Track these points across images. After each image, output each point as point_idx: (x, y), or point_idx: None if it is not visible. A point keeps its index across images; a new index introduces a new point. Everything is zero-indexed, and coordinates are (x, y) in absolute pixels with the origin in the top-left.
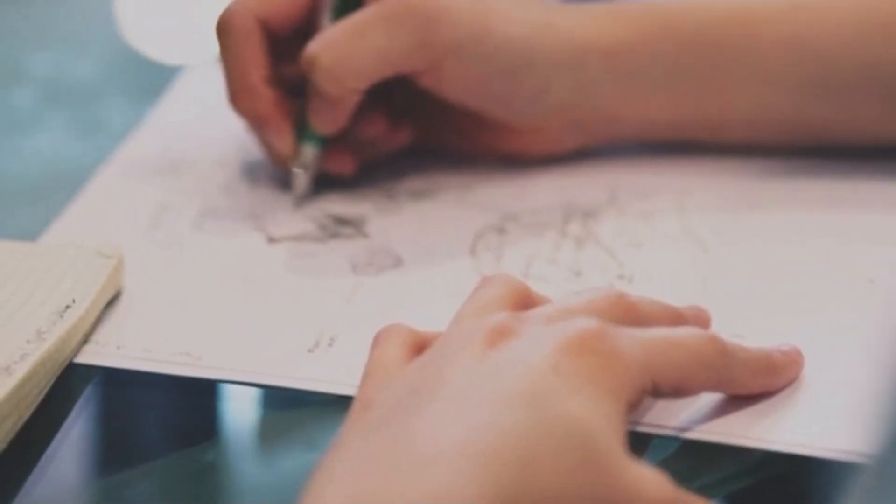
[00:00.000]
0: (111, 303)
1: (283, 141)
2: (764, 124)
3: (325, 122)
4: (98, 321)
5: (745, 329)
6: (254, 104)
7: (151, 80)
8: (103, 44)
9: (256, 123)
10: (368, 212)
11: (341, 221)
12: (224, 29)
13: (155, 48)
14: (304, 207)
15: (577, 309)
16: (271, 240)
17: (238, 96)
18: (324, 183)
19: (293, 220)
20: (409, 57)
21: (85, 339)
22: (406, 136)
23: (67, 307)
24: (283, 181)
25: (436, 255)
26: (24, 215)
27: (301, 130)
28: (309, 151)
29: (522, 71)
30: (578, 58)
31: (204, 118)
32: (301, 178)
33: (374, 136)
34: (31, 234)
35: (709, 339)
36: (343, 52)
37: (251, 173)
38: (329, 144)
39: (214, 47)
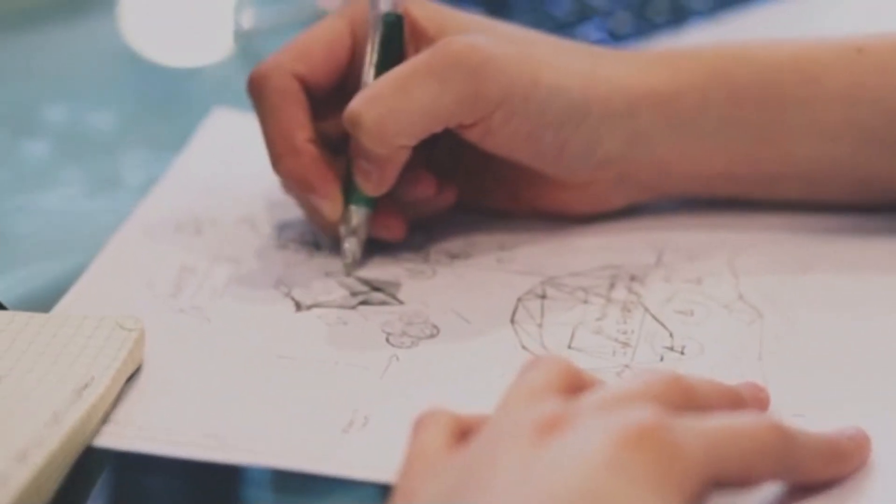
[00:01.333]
0: (131, 378)
1: (332, 205)
2: (824, 179)
3: (373, 183)
4: (117, 398)
5: (807, 408)
6: (299, 167)
7: (172, 130)
8: (121, 93)
9: (302, 187)
10: (401, 276)
11: (373, 286)
12: (261, 89)
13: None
14: (333, 273)
15: (631, 395)
16: (299, 307)
17: (282, 160)
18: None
19: (322, 284)
20: (456, 111)
21: (104, 419)
22: (452, 196)
23: (86, 386)
24: (311, 241)
25: (474, 323)
26: (37, 278)
27: (348, 193)
28: (358, 215)
29: (574, 122)
30: (630, 107)
31: (227, 171)
32: (352, 244)
33: (423, 196)
34: (45, 299)
35: (771, 427)
36: (388, 108)
37: (277, 231)
38: (381, 213)
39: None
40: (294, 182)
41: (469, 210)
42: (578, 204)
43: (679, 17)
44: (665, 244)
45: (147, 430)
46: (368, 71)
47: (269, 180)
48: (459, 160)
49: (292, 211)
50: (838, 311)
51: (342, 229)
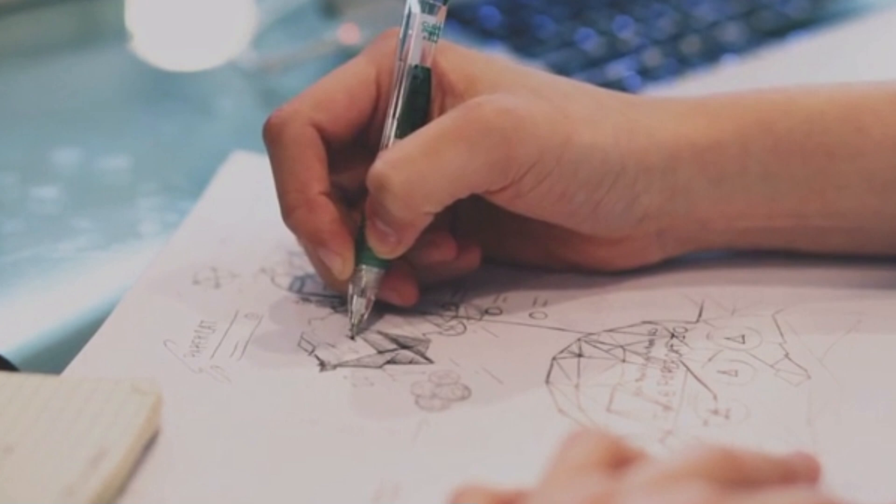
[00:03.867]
0: (148, 445)
1: (343, 264)
2: (871, 231)
3: (389, 247)
4: (134, 467)
5: (860, 477)
6: (312, 221)
7: (188, 174)
8: (134, 134)
9: (314, 241)
10: (430, 332)
11: (400, 344)
12: (277, 137)
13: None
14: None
15: (679, 473)
16: (324, 366)
17: (294, 212)
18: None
19: (347, 342)
20: (487, 177)
21: (120, 489)
22: (475, 259)
23: (101, 456)
24: (333, 295)
25: (507, 384)
26: (49, 334)
27: (359, 251)
28: (369, 276)
29: (608, 180)
30: (668, 161)
31: (245, 219)
32: (359, 305)
33: (442, 260)
34: (57, 356)
35: None
36: (417, 173)
37: (299, 284)
38: (393, 276)
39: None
40: (305, 236)
41: (498, 264)
42: (614, 259)
43: (712, 53)
44: (706, 298)
45: (165, 501)
46: (391, 125)
47: (290, 234)
48: (486, 218)
49: None
50: (890, 370)
51: (350, 287)
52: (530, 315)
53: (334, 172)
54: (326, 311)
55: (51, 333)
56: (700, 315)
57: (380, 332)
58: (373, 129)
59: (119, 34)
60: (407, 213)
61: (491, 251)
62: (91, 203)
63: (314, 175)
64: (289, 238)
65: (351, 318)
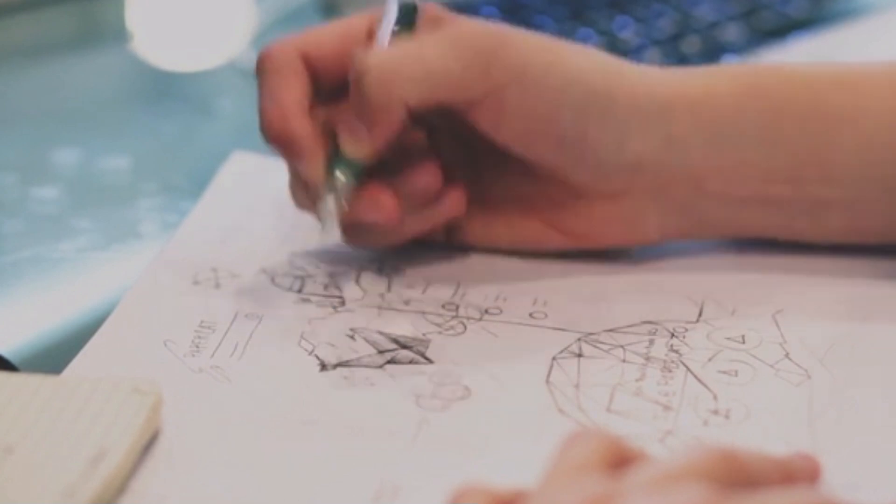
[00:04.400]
0: (148, 444)
1: (314, 166)
2: (869, 206)
3: (362, 142)
4: (134, 467)
5: (861, 476)
6: (285, 128)
7: (188, 173)
8: (135, 133)
9: (287, 149)
10: (430, 332)
11: (401, 344)
12: (263, 62)
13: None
14: (359, 329)
15: (680, 472)
16: (324, 366)
17: (270, 124)
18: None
19: (347, 342)
20: (467, 78)
21: (120, 489)
22: (460, 200)
23: (101, 456)
24: (334, 295)
25: (507, 384)
26: (49, 334)
27: (334, 159)
28: (340, 177)
29: (596, 110)
30: (663, 108)
31: (245, 219)
32: (331, 204)
33: (426, 187)
34: (57, 356)
35: None
36: (398, 60)
37: (299, 284)
38: (370, 187)
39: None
40: (279, 145)
41: (496, 250)
42: (610, 226)
43: (712, 53)
44: (706, 298)
45: (165, 500)
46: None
47: (290, 229)
48: (480, 190)
49: (314, 262)
50: (890, 370)
51: (322, 190)
52: (530, 315)
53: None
54: (326, 311)
55: (51, 333)
56: (700, 315)
57: (380, 332)
58: None
59: (119, 34)
60: (383, 97)
61: (488, 233)
62: (91, 203)
63: (292, 92)
64: (290, 238)
65: (322, 218)
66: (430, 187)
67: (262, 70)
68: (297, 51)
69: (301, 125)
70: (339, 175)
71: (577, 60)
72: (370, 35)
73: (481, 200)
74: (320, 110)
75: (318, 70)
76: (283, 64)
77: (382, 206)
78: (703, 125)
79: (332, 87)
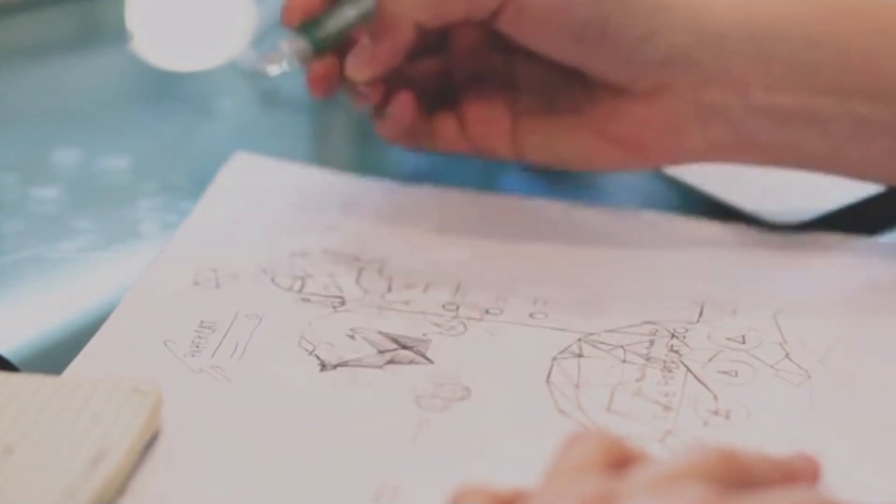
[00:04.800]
0: (148, 445)
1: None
2: None
3: (363, 60)
4: (134, 467)
5: (861, 478)
6: None
7: (189, 174)
8: (135, 133)
9: None
10: (430, 332)
11: (401, 344)
12: None
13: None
14: (359, 329)
15: (680, 473)
16: (324, 366)
17: None
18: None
19: (347, 341)
20: None
21: (120, 489)
22: (407, 107)
23: (101, 456)
24: (334, 295)
25: (507, 385)
26: (49, 334)
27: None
28: (299, 44)
29: (615, 2)
30: (696, 2)
31: (246, 220)
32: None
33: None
34: (57, 356)
35: None
36: None
37: (300, 284)
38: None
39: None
40: None
41: (559, 166)
42: (654, 130)
43: None
44: (706, 299)
45: (165, 500)
46: None
47: (290, 229)
48: (542, 114)
49: (314, 263)
50: (890, 370)
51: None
52: (530, 315)
53: None
54: (327, 311)
55: (51, 334)
56: (700, 315)
57: (380, 332)
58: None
59: (119, 34)
60: (393, 15)
61: (559, 153)
62: (91, 203)
63: None
64: (290, 238)
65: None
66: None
67: None
68: None
69: None
70: (298, 41)
71: None
72: None
73: (550, 119)
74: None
75: None
76: None
77: (403, 105)
78: (747, 26)
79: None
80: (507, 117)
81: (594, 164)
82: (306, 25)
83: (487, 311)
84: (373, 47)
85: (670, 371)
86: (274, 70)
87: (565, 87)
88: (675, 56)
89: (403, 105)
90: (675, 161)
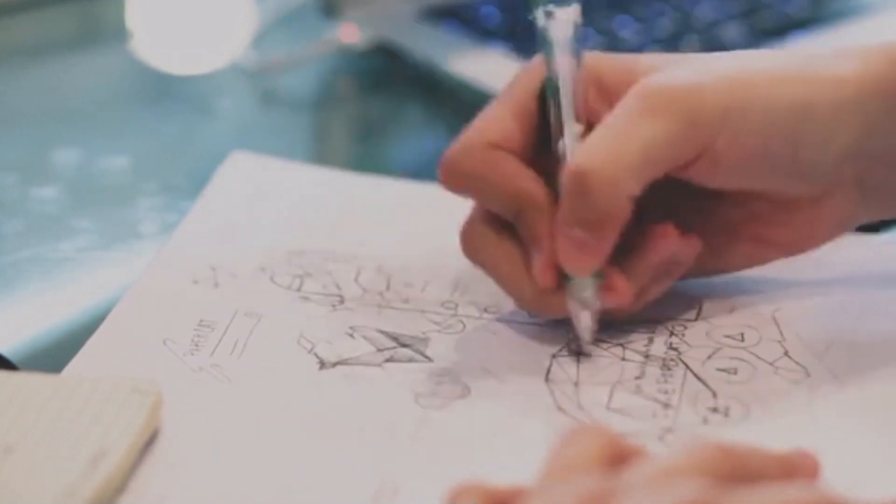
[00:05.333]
0: (148, 444)
1: (547, 272)
2: None
3: (590, 255)
4: (134, 466)
5: (859, 474)
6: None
7: (188, 173)
8: (135, 133)
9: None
10: (429, 330)
11: (400, 342)
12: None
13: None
14: (358, 327)
15: (678, 469)
16: (323, 365)
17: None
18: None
19: (346, 340)
20: (678, 143)
21: (120, 488)
22: (696, 246)
23: (101, 455)
24: (333, 293)
25: (506, 383)
26: (49, 333)
27: (571, 284)
28: (583, 285)
29: (804, 127)
30: (857, 94)
31: (244, 218)
32: (586, 319)
33: (671, 251)
34: (57, 355)
35: (821, 499)
36: (613, 153)
37: (298, 283)
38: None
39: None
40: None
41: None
42: (817, 227)
43: (712, 52)
44: (704, 296)
45: (165, 500)
46: (564, 132)
47: (288, 228)
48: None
49: (313, 261)
50: (889, 367)
51: (570, 303)
52: (529, 313)
53: None
54: (326, 309)
55: (51, 333)
56: (699, 313)
57: (379, 330)
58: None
59: (119, 34)
60: (611, 197)
61: (699, 262)
62: (91, 203)
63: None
64: (288, 236)
65: (580, 335)
66: (674, 248)
67: (461, 181)
68: (487, 143)
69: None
70: (587, 287)
71: (770, 83)
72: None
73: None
74: None
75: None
76: (482, 169)
77: (619, 290)
78: (893, 108)
79: None
80: None
81: (748, 267)
82: (573, 285)
83: (486, 310)
84: (595, 239)
85: (669, 369)
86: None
87: (720, 204)
88: (848, 153)
89: (695, 243)
90: (833, 240)
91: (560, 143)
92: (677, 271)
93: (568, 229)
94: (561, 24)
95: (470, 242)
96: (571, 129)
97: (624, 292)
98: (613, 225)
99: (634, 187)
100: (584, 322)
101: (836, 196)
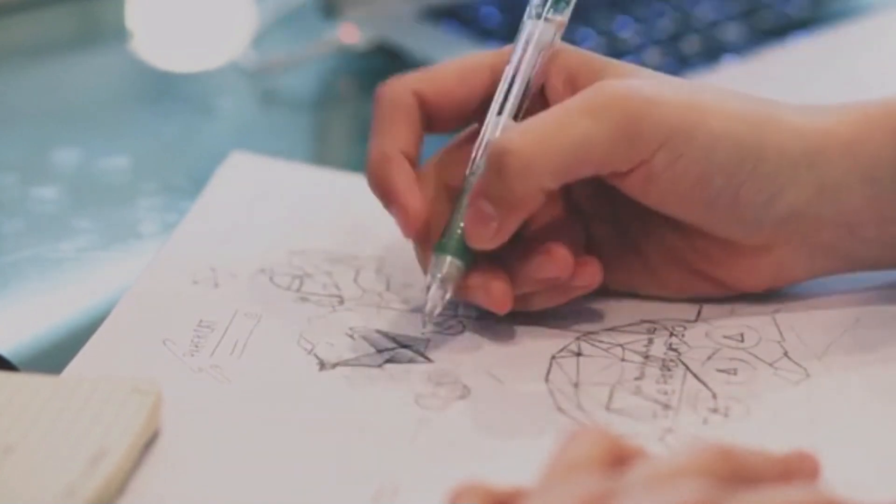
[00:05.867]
0: (148, 444)
1: (411, 224)
2: None
3: (489, 232)
4: (134, 466)
5: (859, 475)
6: (382, 173)
7: (188, 173)
8: (134, 133)
9: (382, 195)
10: (429, 331)
11: (400, 343)
12: (377, 100)
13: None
14: (358, 328)
15: (679, 470)
16: (323, 365)
17: (369, 166)
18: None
19: (346, 340)
20: (612, 151)
21: (120, 489)
22: (595, 277)
23: (101, 456)
24: (333, 294)
25: (506, 383)
26: (48, 333)
27: (446, 241)
28: (450, 268)
29: (748, 164)
30: (814, 154)
31: (244, 219)
32: (434, 294)
33: (555, 274)
34: (57, 355)
35: (821, 501)
36: (540, 140)
37: (298, 283)
38: (485, 272)
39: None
40: (375, 189)
41: (635, 295)
42: (758, 274)
43: (712, 53)
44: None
45: (164, 500)
46: (500, 109)
47: (288, 228)
48: (624, 242)
49: (313, 262)
50: (888, 368)
51: (428, 276)
52: (527, 313)
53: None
54: (325, 309)
55: (50, 333)
56: (699, 314)
57: (379, 331)
58: (481, 117)
59: (119, 34)
60: (525, 184)
61: (629, 280)
62: (91, 203)
63: (399, 136)
64: (288, 237)
65: (426, 305)
66: (560, 273)
67: (376, 106)
68: (412, 90)
69: (401, 175)
70: (450, 261)
71: (723, 116)
72: (493, 72)
73: (622, 247)
74: (443, 164)
75: (433, 110)
76: (395, 105)
77: (493, 294)
78: (858, 170)
79: (448, 127)
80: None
81: (681, 296)
82: (445, 244)
83: (486, 311)
84: (499, 218)
85: (669, 370)
86: (427, 327)
87: (664, 229)
88: (796, 212)
89: (593, 276)
90: (774, 289)
91: (484, 127)
92: (573, 291)
93: (478, 200)
94: (541, 26)
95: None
96: (493, 116)
97: (497, 296)
98: (520, 210)
99: (551, 181)
100: (430, 295)
101: (781, 250)
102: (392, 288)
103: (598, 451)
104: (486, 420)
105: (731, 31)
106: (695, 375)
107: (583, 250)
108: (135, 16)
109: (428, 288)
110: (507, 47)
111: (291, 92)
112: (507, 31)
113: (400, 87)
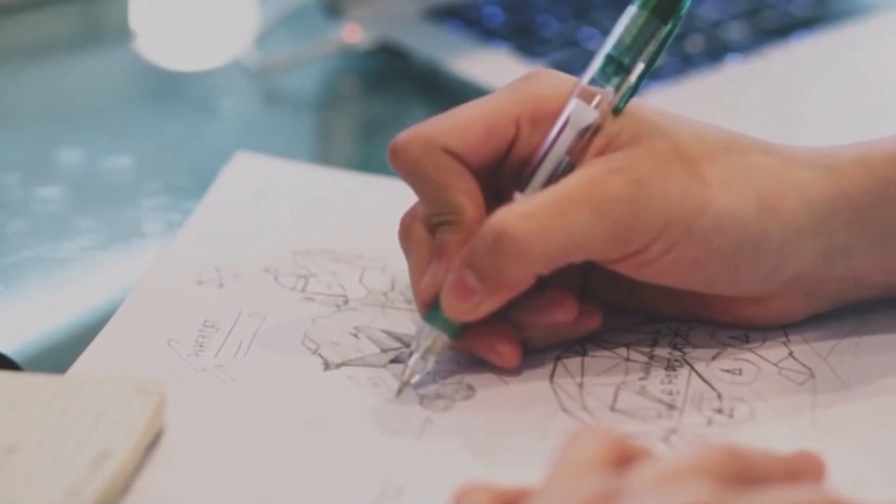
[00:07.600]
0: (152, 444)
1: (430, 290)
2: None
3: (468, 306)
4: (138, 467)
5: (864, 476)
6: (405, 233)
7: (191, 173)
8: (138, 132)
9: (405, 251)
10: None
11: (405, 343)
12: (398, 156)
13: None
14: (362, 328)
15: (684, 470)
16: (328, 366)
17: (402, 222)
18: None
19: (351, 341)
20: (607, 245)
21: (124, 489)
22: (596, 323)
23: (105, 456)
24: (337, 294)
25: (511, 384)
26: (52, 334)
27: (438, 314)
28: (437, 341)
29: (748, 246)
30: (823, 220)
31: (249, 219)
32: (415, 364)
33: (561, 320)
34: (61, 356)
35: (827, 501)
36: (540, 229)
37: (303, 283)
38: (490, 329)
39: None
40: (402, 245)
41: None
42: (758, 318)
43: (716, 52)
44: None
45: (168, 500)
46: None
47: (292, 228)
48: (619, 275)
49: (317, 262)
50: (894, 369)
51: (413, 343)
52: None
53: None
54: (330, 309)
55: (54, 333)
56: None
57: (383, 331)
58: (503, 173)
59: (122, 34)
60: (520, 269)
61: (622, 303)
62: (94, 203)
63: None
64: (293, 237)
65: (403, 372)
66: (567, 320)
67: (408, 167)
68: (442, 147)
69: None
70: (435, 336)
71: (726, 202)
72: (517, 127)
73: (616, 294)
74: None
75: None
76: (423, 165)
77: (503, 356)
78: (869, 234)
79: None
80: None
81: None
82: (436, 315)
83: None
84: (483, 295)
85: (674, 370)
86: (408, 376)
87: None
88: (800, 276)
89: (595, 322)
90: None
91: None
92: (572, 335)
93: (463, 271)
94: (583, 108)
95: (402, 231)
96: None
97: (507, 359)
98: (506, 292)
99: (544, 267)
100: (411, 363)
101: (782, 300)
102: (397, 287)
103: (603, 451)
104: (491, 420)
105: (735, 31)
106: (699, 375)
107: (579, 289)
108: (138, 15)
109: (411, 354)
110: (529, 87)
111: (295, 92)
112: (511, 31)
113: (426, 144)
